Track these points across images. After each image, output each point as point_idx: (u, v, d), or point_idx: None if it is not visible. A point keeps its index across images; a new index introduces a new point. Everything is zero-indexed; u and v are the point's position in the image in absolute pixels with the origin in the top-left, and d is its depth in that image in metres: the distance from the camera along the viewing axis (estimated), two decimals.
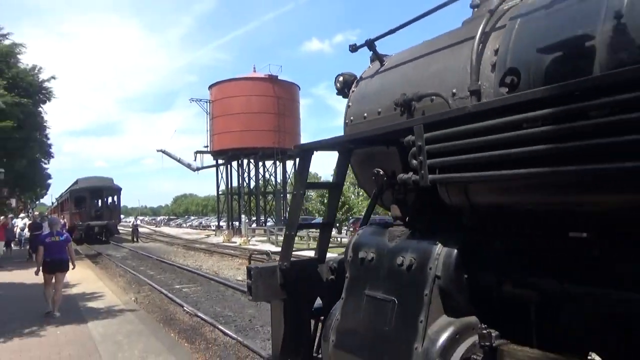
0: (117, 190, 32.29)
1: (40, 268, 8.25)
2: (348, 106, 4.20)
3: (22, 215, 29.42)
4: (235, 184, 43.34)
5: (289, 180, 40.58)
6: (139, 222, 43.57)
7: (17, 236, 21.93)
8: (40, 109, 19.76)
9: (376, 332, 2.78)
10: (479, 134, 2.23)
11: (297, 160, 4.19)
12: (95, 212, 30.41)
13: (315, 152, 3.94)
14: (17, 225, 22.31)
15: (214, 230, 44.67)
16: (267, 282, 3.90)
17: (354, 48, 4.32)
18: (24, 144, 19.10)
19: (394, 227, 3.03)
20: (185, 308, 9.58)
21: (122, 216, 40.80)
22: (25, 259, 18.19)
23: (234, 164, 42.39)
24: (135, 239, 31.88)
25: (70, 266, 8.65)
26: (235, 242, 28.70)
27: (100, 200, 31.72)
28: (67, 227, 30.98)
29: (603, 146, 1.73)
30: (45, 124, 22.11)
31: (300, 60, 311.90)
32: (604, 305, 2.11)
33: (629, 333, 2.00)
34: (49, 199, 57.64)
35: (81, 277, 13.04)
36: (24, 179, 24.08)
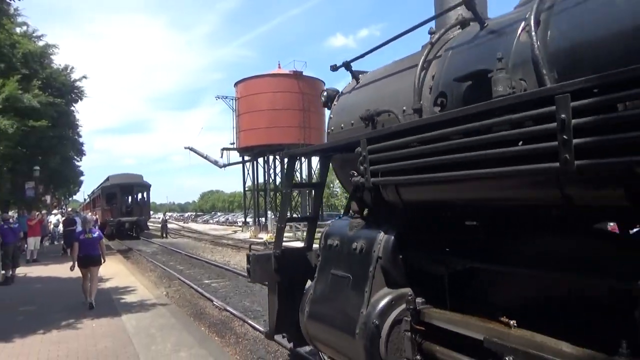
0: (146, 187, 32.95)
1: (76, 263, 8.83)
2: (330, 117, 5.04)
3: (54, 211, 30.34)
4: (261, 180, 43.62)
5: (314, 176, 40.64)
6: (167, 217, 44.40)
7: (50, 232, 22.59)
8: (72, 107, 20.34)
9: (337, 302, 3.61)
10: (401, 147, 3.00)
11: (286, 164, 4.95)
12: (126, 208, 31.10)
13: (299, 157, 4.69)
14: (51, 222, 23.00)
15: (240, 227, 45.12)
16: (264, 267, 4.74)
17: (334, 68, 5.14)
18: (57, 142, 19.73)
19: (353, 220, 3.83)
20: (214, 302, 9.73)
21: (151, 212, 41.63)
22: (60, 254, 18.76)
23: (260, 160, 42.63)
24: (164, 235, 32.47)
25: (102, 260, 9.18)
26: (262, 238, 28.94)
27: (130, 197, 32.40)
28: (99, 223, 31.93)
29: (489, 156, 2.36)
30: (77, 122, 22.78)
31: (325, 55, 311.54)
32: (493, 275, 2.92)
33: (511, 295, 2.84)
34: (81, 195, 59.24)
35: (114, 271, 13.40)
36: (58, 176, 24.83)
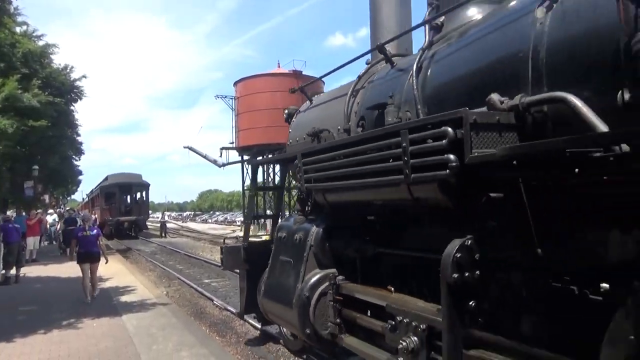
0: (145, 186, 32.93)
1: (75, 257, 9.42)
2: (289, 131, 6.15)
3: (50, 210, 30.23)
4: (260, 179, 43.58)
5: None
6: (166, 217, 44.37)
7: (46, 231, 22.53)
8: (72, 107, 20.29)
9: (282, 282, 4.64)
10: (323, 161, 4.00)
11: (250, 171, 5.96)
12: (124, 207, 31.08)
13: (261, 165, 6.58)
14: (47, 221, 22.97)
15: (239, 226, 45.10)
16: (234, 258, 5.80)
17: (292, 91, 6.57)
18: (57, 142, 19.69)
19: (297, 217, 4.89)
20: (215, 302, 9.75)
21: (150, 212, 41.59)
22: (59, 253, 18.79)
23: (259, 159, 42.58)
24: (163, 234, 32.46)
25: (103, 260, 9.64)
26: (261, 237, 28.93)
27: (129, 196, 32.39)
28: (98, 223, 31.88)
29: (379, 169, 3.28)
30: (76, 122, 22.72)
31: (325, 55, 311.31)
32: (390, 257, 3.84)
33: (395, 269, 3.82)
34: (80, 195, 59.13)
35: (113, 271, 13.38)
36: (57, 175, 24.78)
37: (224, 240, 6.57)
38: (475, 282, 2.67)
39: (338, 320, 4.05)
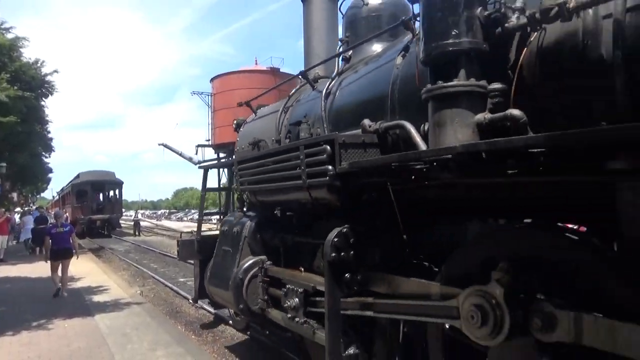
0: (118, 184, 32.26)
1: (49, 255, 9.49)
2: (237, 140, 7.08)
3: (17, 209, 29.35)
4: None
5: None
6: (140, 216, 43.56)
7: (13, 230, 21.87)
8: (42, 102, 19.72)
9: (224, 268, 5.35)
10: (252, 167, 4.82)
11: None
12: (97, 206, 30.38)
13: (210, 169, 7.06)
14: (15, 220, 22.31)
15: (215, 223, 44.69)
16: (188, 249, 6.58)
17: (239, 104, 7.47)
18: (26, 138, 19.09)
19: (237, 213, 5.80)
20: (190, 301, 9.61)
21: (123, 210, 40.79)
22: (28, 252, 18.30)
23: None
24: (137, 233, 31.91)
25: (74, 257, 9.81)
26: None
27: (102, 194, 31.72)
28: (69, 221, 31.08)
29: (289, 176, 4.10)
30: (46, 117, 22.09)
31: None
32: (303, 245, 4.50)
33: (306, 254, 4.44)
34: (50, 193, 57.61)
35: (86, 270, 13.11)
36: (26, 172, 24.07)
37: (180, 235, 7.29)
38: (350, 260, 3.46)
39: (265, 297, 4.94)
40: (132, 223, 34.85)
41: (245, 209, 5.86)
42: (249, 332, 6.91)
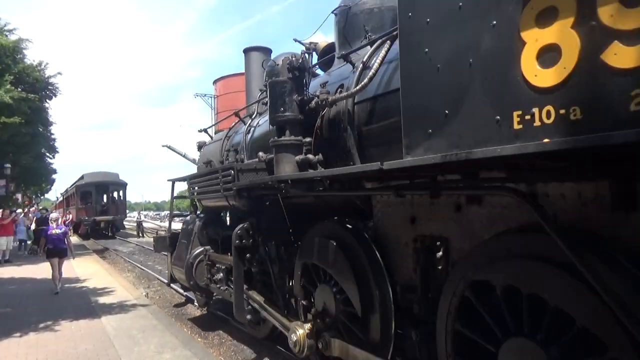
0: (122, 186, 32.30)
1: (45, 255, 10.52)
2: (199, 157, 8.70)
3: (19, 210, 29.27)
4: None
5: None
6: (143, 217, 43.60)
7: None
8: (46, 104, 19.79)
9: (181, 255, 7.57)
10: (197, 182, 6.81)
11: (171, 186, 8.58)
12: (101, 207, 30.42)
13: (176, 182, 8.41)
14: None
15: None
16: (162, 243, 8.66)
17: (200, 130, 9.26)
18: (30, 139, 19.17)
19: (191, 215, 8.01)
20: (195, 303, 9.60)
21: (127, 211, 40.81)
22: (27, 252, 18.37)
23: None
24: (141, 234, 31.92)
25: (71, 258, 11.30)
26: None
27: (106, 196, 31.73)
28: (73, 222, 31.12)
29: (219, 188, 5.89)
30: (50, 119, 22.16)
31: None
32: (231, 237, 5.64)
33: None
34: (54, 194, 57.67)
35: (91, 272, 13.13)
36: (30, 173, 24.15)
37: (157, 233, 10.41)
38: (250, 245, 5.52)
39: (209, 276, 6.93)
40: (136, 224, 34.86)
41: (197, 212, 8.06)
42: (206, 309, 8.56)
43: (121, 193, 32.34)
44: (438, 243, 3.32)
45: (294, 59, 4.43)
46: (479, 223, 2.95)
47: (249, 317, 5.74)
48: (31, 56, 18.77)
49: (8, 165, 19.39)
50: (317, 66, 5.67)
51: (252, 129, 6.41)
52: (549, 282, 2.35)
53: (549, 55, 1.95)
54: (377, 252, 3.78)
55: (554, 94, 1.92)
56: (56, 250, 10.22)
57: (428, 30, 2.54)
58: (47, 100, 19.60)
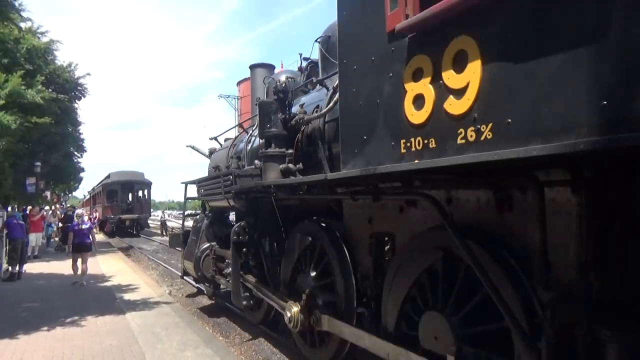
0: (147, 185, 32.83)
1: (71, 249, 11.21)
2: (210, 162, 9.67)
3: (46, 207, 29.96)
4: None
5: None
6: (167, 216, 44.20)
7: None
8: (75, 104, 20.24)
9: (191, 250, 8.60)
10: (205, 185, 7.89)
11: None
12: (126, 205, 30.99)
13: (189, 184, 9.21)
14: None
15: None
16: (176, 240, 10.23)
17: (210, 138, 9.99)
18: (60, 139, 19.64)
19: (201, 214, 9.14)
20: (218, 302, 9.68)
21: (151, 210, 41.43)
22: (55, 249, 18.82)
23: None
24: (164, 233, 32.36)
25: (95, 252, 12.46)
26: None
27: (131, 194, 32.30)
28: (99, 220, 31.75)
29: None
30: (79, 119, 22.66)
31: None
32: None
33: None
34: (81, 192, 59.01)
35: (116, 269, 13.38)
36: (59, 172, 24.73)
37: (171, 230, 11.76)
38: (245, 241, 6.40)
39: (214, 268, 8.00)
40: (160, 223, 35.36)
41: (206, 212, 9.05)
42: (214, 298, 9.31)
43: (146, 192, 32.87)
44: (386, 238, 4.22)
45: (279, 83, 5.45)
46: (414, 222, 3.79)
47: (244, 302, 6.76)
48: (61, 57, 19.09)
49: (38, 163, 19.89)
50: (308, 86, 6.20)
51: (253, 138, 7.23)
52: (445, 265, 3.34)
53: (418, 102, 2.80)
54: (344, 248, 4.68)
55: (421, 129, 2.79)
56: (81, 245, 10.92)
57: (355, 75, 3.43)
58: (76, 101, 20.04)
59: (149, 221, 34.46)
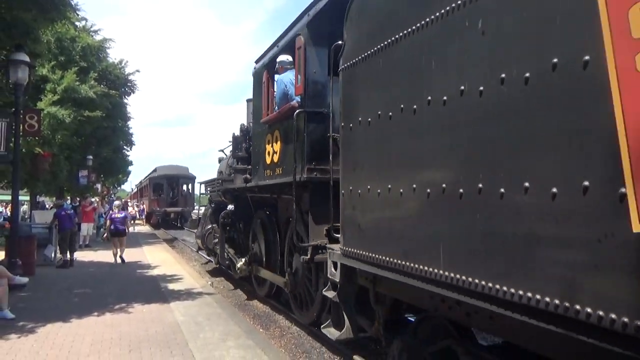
0: (191, 179, 33.66)
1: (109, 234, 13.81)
2: (218, 168, 12.11)
3: (93, 199, 31.05)
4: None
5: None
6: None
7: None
8: (125, 100, 21.00)
9: (200, 230, 12.95)
10: (209, 186, 13.75)
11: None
12: (171, 199, 31.90)
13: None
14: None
15: None
16: (194, 223, 18.34)
17: (219, 150, 12.57)
18: (111, 133, 20.43)
19: (208, 205, 12.83)
20: (258, 294, 9.81)
21: (195, 204, 42.43)
22: (102, 239, 19.67)
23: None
24: None
25: (128, 233, 14.41)
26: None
27: (176, 188, 33.21)
28: (145, 212, 32.77)
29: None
30: (128, 114, 23.49)
31: None
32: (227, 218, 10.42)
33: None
34: (129, 185, 61.23)
35: (160, 260, 13.81)
36: (109, 165, 25.73)
37: (192, 218, 16.31)
38: (229, 222, 10.08)
39: (215, 241, 10.74)
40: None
41: (211, 204, 12.02)
42: (217, 265, 11.76)
43: (190, 186, 33.71)
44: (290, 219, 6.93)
45: (244, 125, 8.94)
46: (283, 209, 7.52)
47: (227, 262, 10.05)
48: (113, 55, 19.89)
49: (90, 157, 20.79)
50: None
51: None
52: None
53: (270, 154, 6.88)
54: (277, 227, 7.76)
55: (270, 166, 6.89)
56: (117, 231, 13.37)
57: (254, 135, 7.90)
58: (126, 96, 20.81)
59: (192, 214, 35.32)
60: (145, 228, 31.82)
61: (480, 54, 2.37)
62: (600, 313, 1.75)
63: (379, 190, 3.33)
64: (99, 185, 31.04)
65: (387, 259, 3.17)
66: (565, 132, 1.93)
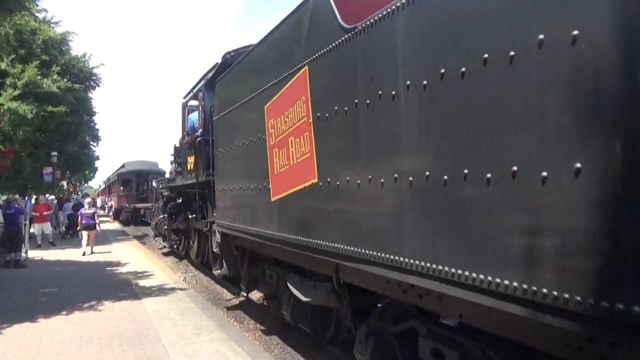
0: (161, 174, 32.93)
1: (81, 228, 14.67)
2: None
3: (51, 197, 30.16)
4: None
5: None
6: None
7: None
8: (90, 94, 20.48)
9: (155, 218, 15.46)
10: (161, 182, 16.82)
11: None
12: (141, 195, 31.29)
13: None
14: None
15: None
16: (150, 214, 20.20)
17: (175, 147, 12.27)
18: (76, 128, 19.90)
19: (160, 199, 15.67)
20: (232, 289, 9.78)
21: None
22: (67, 236, 19.21)
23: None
24: None
25: (98, 228, 15.52)
26: None
27: (146, 184, 32.58)
28: (114, 209, 32.06)
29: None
30: (94, 109, 22.91)
31: None
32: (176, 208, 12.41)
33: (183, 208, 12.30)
34: (97, 181, 59.83)
35: (131, 256, 13.58)
36: (75, 161, 25.09)
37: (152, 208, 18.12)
38: (174, 211, 11.97)
39: (165, 227, 12.76)
40: None
41: (162, 197, 13.98)
42: (171, 252, 14.28)
43: None
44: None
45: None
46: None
47: (173, 243, 12.78)
48: (76, 48, 19.37)
49: (55, 153, 20.22)
50: None
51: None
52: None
53: (191, 164, 10.07)
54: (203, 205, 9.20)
55: (192, 171, 9.75)
56: (86, 225, 14.43)
57: (182, 145, 11.04)
58: (91, 91, 20.30)
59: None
60: (114, 225, 31.17)
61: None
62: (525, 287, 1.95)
63: (230, 188, 6.13)
64: (64, 182, 30.22)
65: (239, 226, 5.85)
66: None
